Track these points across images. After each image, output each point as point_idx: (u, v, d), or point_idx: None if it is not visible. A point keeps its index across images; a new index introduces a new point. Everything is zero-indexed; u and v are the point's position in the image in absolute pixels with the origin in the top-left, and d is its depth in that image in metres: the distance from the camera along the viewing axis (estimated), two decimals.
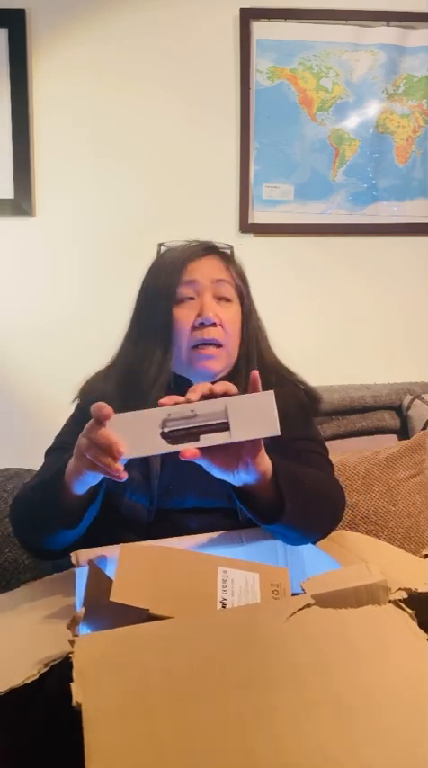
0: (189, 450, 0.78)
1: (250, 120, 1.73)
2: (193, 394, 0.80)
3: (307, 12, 1.70)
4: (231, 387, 0.81)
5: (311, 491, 0.92)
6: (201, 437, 0.77)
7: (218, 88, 1.73)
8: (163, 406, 0.78)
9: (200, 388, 0.81)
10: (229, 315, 1.02)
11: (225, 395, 0.80)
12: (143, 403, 0.88)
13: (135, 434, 0.78)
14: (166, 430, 0.77)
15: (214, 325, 0.99)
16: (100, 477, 0.82)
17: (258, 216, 1.76)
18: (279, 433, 0.76)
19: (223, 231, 1.73)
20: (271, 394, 0.76)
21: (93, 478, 0.83)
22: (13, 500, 1.03)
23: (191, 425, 0.77)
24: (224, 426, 0.77)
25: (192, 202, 1.75)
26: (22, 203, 1.71)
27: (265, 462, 0.83)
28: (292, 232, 1.77)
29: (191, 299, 1.02)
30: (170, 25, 1.70)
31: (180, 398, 0.79)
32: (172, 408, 0.78)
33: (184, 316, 1.01)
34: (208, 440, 0.77)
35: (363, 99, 1.74)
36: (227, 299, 1.03)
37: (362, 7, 1.71)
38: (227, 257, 1.08)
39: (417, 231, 1.80)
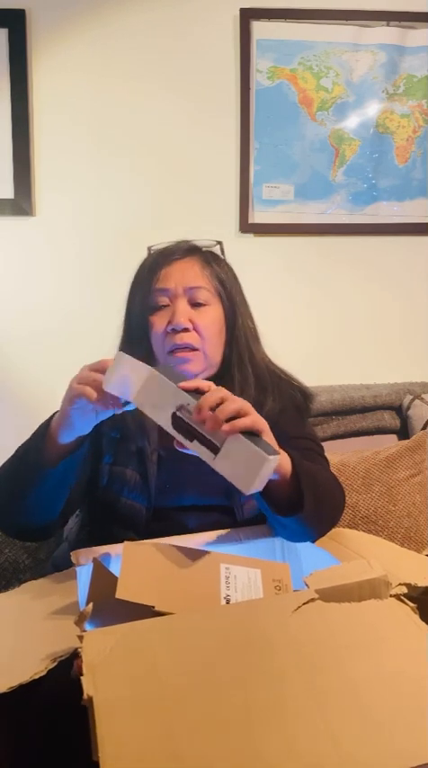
0: (182, 444, 0.81)
1: (250, 120, 1.73)
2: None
3: (307, 12, 1.70)
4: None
5: (325, 490, 0.94)
6: (194, 441, 0.80)
7: (218, 88, 1.73)
8: (185, 389, 0.81)
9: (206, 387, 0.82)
10: (205, 319, 1.03)
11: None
12: None
13: (155, 397, 0.81)
14: (178, 413, 0.80)
15: (186, 330, 1.00)
16: (88, 425, 0.84)
17: (258, 216, 1.76)
18: (246, 494, 0.78)
19: (223, 231, 1.72)
20: (268, 461, 0.76)
21: (80, 424, 0.84)
22: None
23: (194, 427, 0.79)
24: (214, 448, 0.78)
25: (192, 202, 1.75)
26: (22, 203, 1.71)
27: (285, 462, 0.85)
28: (292, 232, 1.77)
29: (166, 306, 1.03)
30: (170, 25, 1.70)
31: (205, 385, 0.81)
32: (192, 400, 0.80)
33: (159, 322, 1.03)
34: (195, 447, 0.80)
35: (363, 99, 1.74)
36: (202, 304, 1.03)
37: (362, 7, 1.71)
38: (208, 258, 1.08)
39: (417, 231, 1.80)
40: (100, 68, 1.71)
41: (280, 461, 0.85)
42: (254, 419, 0.79)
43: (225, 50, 1.72)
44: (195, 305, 1.03)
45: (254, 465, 0.76)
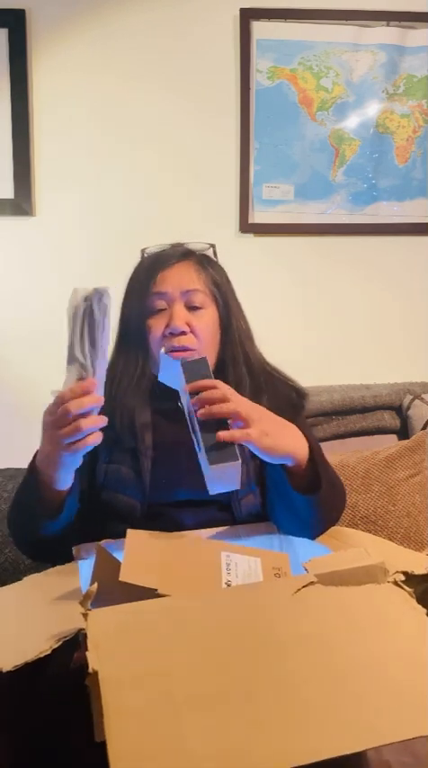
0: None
1: (250, 120, 1.73)
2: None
3: (307, 12, 1.70)
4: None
5: (335, 476, 1.01)
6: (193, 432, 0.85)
7: (218, 88, 1.73)
8: (193, 389, 0.86)
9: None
10: (202, 321, 1.04)
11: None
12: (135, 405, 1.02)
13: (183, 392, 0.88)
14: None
15: (184, 333, 1.02)
16: (78, 459, 0.84)
17: (258, 216, 1.76)
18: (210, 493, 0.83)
19: (223, 231, 1.73)
20: (211, 468, 0.80)
21: (71, 462, 0.85)
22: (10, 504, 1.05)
23: (193, 420, 0.84)
24: (198, 442, 0.83)
25: (192, 202, 1.75)
26: (22, 203, 1.71)
27: (301, 447, 0.90)
28: (292, 232, 1.77)
29: (163, 309, 1.05)
30: (170, 25, 1.70)
31: (210, 384, 0.85)
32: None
33: (157, 325, 1.04)
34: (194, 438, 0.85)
35: (363, 99, 1.74)
36: (199, 308, 1.05)
37: (362, 7, 1.71)
38: (202, 261, 1.09)
39: (417, 231, 1.80)
40: (100, 68, 1.71)
41: (295, 447, 0.89)
42: (235, 407, 0.83)
43: (225, 50, 1.72)
44: (191, 308, 1.05)
45: (231, 473, 0.81)
